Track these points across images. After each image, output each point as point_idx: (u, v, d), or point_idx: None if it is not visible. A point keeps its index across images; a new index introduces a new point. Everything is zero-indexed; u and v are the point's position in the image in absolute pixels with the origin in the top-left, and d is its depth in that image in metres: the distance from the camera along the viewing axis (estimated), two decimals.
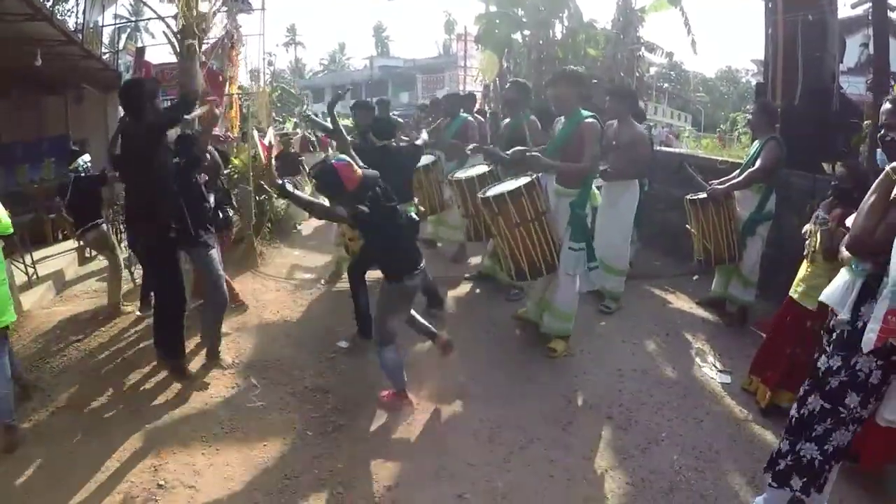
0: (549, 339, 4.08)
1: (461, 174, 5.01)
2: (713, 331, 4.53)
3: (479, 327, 4.56)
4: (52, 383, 3.94)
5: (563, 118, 4.04)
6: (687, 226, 4.69)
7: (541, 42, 8.67)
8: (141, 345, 4.44)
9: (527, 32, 8.81)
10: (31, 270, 5.88)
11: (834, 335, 2.42)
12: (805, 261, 3.26)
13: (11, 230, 3.36)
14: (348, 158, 3.24)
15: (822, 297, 2.56)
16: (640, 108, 5.49)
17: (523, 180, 3.81)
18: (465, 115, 6.20)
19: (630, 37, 8.44)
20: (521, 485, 2.86)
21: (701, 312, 4.84)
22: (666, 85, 36.53)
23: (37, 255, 5.76)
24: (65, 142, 8.68)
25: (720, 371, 3.91)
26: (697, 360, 4.07)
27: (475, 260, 6.10)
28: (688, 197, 4.62)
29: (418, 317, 3.72)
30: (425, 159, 5.52)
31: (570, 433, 3.26)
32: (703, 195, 4.47)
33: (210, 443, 3.25)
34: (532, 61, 8.66)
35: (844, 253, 2.46)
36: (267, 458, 3.09)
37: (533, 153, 3.81)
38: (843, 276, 2.44)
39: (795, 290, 3.31)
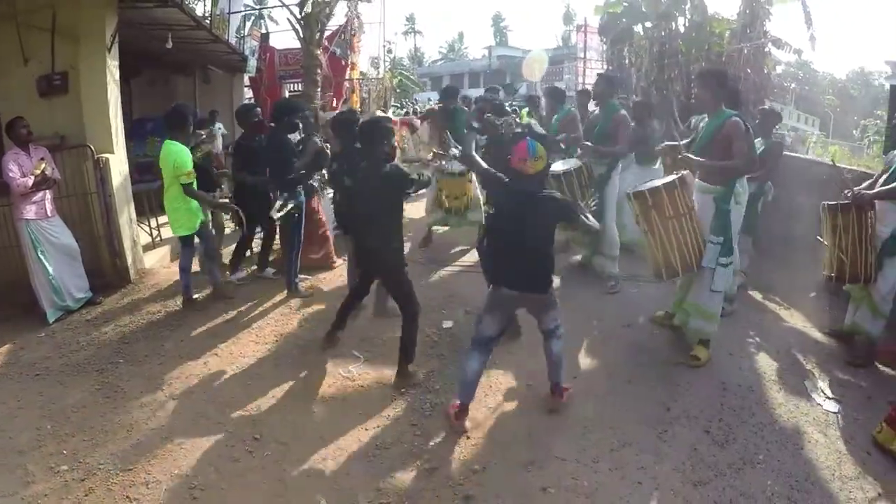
0: (692, 348, 3.92)
1: (556, 167, 4.87)
2: (826, 354, 4.15)
3: (581, 321, 4.41)
4: (161, 333, 4.32)
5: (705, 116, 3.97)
6: (818, 237, 4.25)
7: (663, 34, 8.26)
8: (247, 305, 4.78)
9: (648, 24, 8.42)
10: (154, 233, 6.44)
11: None
12: None
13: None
14: None
15: None
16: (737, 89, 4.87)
17: (666, 178, 3.83)
18: (568, 107, 6.03)
19: (756, 31, 7.84)
20: (607, 487, 2.78)
21: (815, 334, 4.45)
22: (793, 85, 33.30)
23: (161, 220, 6.27)
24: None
25: (828, 398, 3.58)
26: (806, 383, 3.75)
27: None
28: (825, 202, 4.16)
29: None
30: (567, 163, 4.95)
31: (664, 441, 3.11)
32: (844, 201, 3.99)
33: (309, 405, 3.42)
34: (654, 55, 8.26)
35: None
36: (362, 428, 3.20)
37: (686, 155, 3.82)
38: None
39: None
